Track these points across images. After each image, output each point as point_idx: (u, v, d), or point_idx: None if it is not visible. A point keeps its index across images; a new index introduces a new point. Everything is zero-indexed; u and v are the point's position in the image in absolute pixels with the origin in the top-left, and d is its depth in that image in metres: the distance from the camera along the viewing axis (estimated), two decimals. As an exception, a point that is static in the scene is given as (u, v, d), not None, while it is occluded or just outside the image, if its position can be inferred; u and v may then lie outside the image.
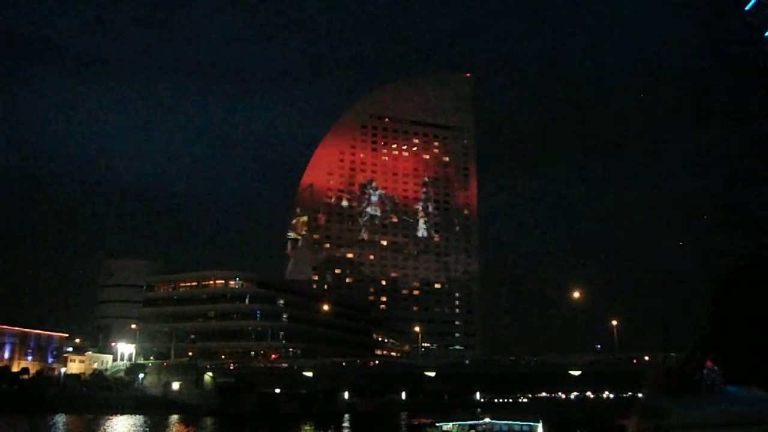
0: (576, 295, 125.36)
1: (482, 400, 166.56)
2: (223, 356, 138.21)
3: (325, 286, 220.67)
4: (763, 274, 2.01)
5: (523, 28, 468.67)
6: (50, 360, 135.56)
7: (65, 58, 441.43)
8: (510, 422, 53.75)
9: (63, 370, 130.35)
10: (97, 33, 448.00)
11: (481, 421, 54.53)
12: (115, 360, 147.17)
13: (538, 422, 53.22)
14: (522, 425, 52.91)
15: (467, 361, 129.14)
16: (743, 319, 1.93)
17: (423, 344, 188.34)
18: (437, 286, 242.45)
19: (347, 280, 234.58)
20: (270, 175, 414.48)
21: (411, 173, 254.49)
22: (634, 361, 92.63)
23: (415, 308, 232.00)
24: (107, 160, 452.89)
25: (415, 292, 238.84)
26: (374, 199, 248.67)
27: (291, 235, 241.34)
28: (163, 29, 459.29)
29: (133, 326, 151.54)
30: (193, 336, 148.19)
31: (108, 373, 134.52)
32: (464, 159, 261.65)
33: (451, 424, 55.49)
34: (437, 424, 58.52)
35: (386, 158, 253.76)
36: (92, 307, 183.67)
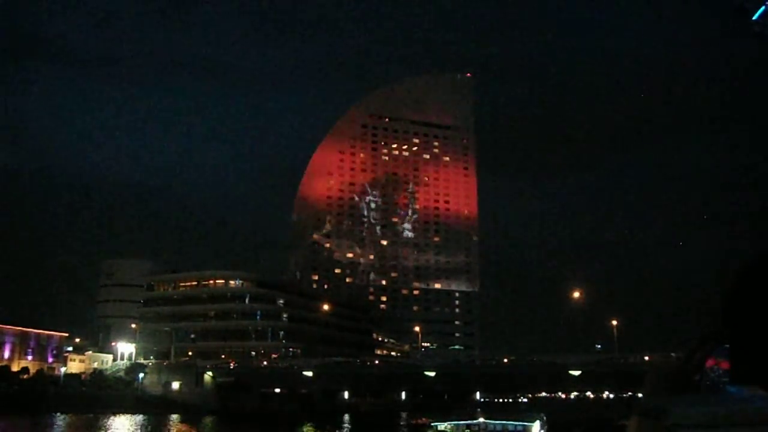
0: (576, 295, 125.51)
1: (482, 400, 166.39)
2: (223, 356, 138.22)
3: (325, 286, 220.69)
4: None
5: (523, 28, 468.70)
6: (50, 359, 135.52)
7: (66, 57, 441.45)
8: (504, 422, 54.13)
9: (63, 369, 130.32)
10: (100, 32, 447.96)
11: (475, 421, 54.86)
12: (115, 359, 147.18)
13: (533, 422, 53.48)
14: (516, 425, 53.17)
15: (467, 361, 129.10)
16: (754, 315, 1.89)
17: (423, 344, 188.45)
18: (437, 286, 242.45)
19: (347, 280, 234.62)
20: (270, 175, 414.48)
21: (411, 173, 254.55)
22: (634, 361, 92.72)
23: (415, 308, 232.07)
24: (107, 159, 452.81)
25: (415, 292, 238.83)
26: (374, 198, 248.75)
27: (291, 234, 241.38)
28: (163, 30, 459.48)
29: (133, 326, 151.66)
30: (193, 336, 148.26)
31: (108, 372, 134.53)
32: (464, 159, 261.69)
33: (446, 423, 55.83)
34: (433, 424, 58.78)
35: (386, 158, 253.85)
36: (92, 306, 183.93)
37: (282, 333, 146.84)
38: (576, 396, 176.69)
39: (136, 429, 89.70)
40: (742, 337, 1.88)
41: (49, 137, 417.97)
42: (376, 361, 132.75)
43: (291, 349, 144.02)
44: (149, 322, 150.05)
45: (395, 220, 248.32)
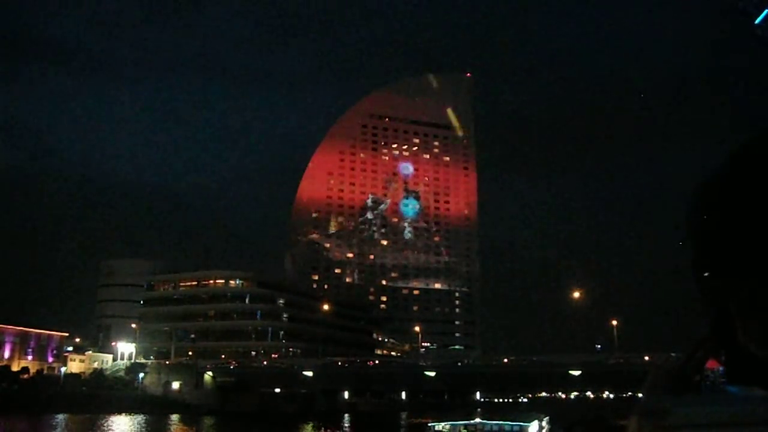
0: (576, 295, 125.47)
1: (483, 400, 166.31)
2: (223, 356, 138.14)
3: (325, 286, 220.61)
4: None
5: (523, 28, 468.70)
6: (50, 359, 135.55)
7: (66, 57, 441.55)
8: (500, 422, 54.21)
9: (63, 369, 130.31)
10: (100, 32, 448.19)
11: (471, 422, 55.01)
12: (115, 359, 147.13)
13: (530, 422, 53.60)
14: (512, 425, 53.22)
15: (467, 361, 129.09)
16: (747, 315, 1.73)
17: (423, 344, 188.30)
18: (437, 286, 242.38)
19: (347, 280, 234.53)
20: (270, 175, 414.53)
21: (411, 173, 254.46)
22: (634, 361, 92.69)
23: (415, 308, 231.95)
24: (107, 160, 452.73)
25: (415, 292, 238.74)
26: (374, 198, 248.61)
27: (291, 234, 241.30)
28: (163, 30, 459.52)
29: (134, 326, 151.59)
30: (193, 336, 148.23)
31: (108, 372, 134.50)
32: (464, 159, 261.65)
33: (443, 424, 56.02)
34: (430, 425, 58.92)
35: (386, 158, 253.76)
36: (92, 306, 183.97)
37: (282, 333, 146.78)
38: (576, 396, 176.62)
39: (136, 429, 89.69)
40: (733, 342, 1.73)
41: (49, 137, 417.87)
42: (376, 361, 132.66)
43: (291, 349, 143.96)
44: (149, 322, 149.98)
45: (395, 219, 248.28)
